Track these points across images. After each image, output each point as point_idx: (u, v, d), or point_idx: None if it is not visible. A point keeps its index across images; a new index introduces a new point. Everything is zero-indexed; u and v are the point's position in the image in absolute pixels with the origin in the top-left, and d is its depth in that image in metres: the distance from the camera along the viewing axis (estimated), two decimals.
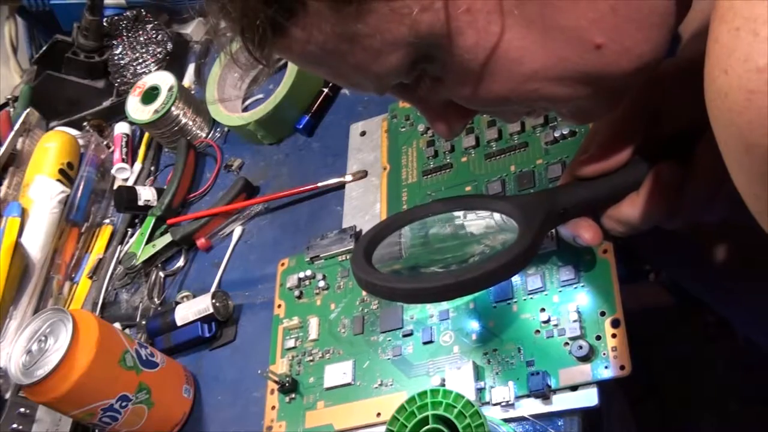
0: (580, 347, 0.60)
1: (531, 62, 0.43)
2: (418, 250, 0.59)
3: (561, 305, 0.64)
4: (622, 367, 0.59)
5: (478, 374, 0.64)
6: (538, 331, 0.64)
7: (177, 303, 0.86)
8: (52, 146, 1.05)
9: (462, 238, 0.59)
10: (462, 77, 0.44)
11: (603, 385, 0.60)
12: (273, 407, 0.73)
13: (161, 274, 0.93)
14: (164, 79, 1.01)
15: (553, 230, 0.65)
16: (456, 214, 0.59)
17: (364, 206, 0.82)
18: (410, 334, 0.70)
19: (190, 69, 1.12)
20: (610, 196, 0.56)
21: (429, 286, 0.52)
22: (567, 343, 0.62)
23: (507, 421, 0.61)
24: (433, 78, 0.46)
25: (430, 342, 0.68)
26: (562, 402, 0.61)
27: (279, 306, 0.79)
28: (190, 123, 1.02)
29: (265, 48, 0.43)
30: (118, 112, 1.10)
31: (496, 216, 0.57)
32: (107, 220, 1.03)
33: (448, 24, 0.41)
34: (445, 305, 0.69)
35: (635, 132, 0.55)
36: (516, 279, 0.67)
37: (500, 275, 0.52)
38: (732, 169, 0.37)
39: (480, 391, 0.63)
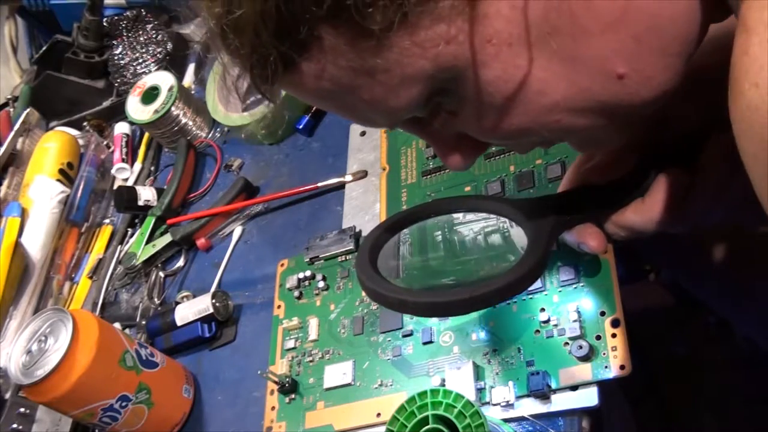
0: (580, 347, 0.60)
1: (553, 93, 0.41)
2: (417, 261, 0.58)
3: (561, 305, 0.64)
4: (622, 367, 0.59)
5: (478, 374, 0.64)
6: (538, 331, 0.64)
7: (177, 303, 0.86)
8: (52, 146, 1.05)
9: (466, 247, 0.58)
10: (482, 110, 0.43)
11: (603, 385, 0.60)
12: (273, 408, 0.73)
13: (161, 274, 0.93)
14: (164, 79, 1.01)
15: None
16: (455, 215, 0.59)
17: (364, 206, 0.82)
18: (410, 335, 0.70)
19: (190, 69, 1.12)
20: (615, 202, 0.56)
21: (442, 301, 0.50)
22: (567, 343, 0.62)
23: (507, 421, 0.61)
24: (449, 111, 0.45)
25: (430, 342, 0.68)
26: (562, 402, 0.61)
27: (279, 306, 0.79)
28: (190, 123, 1.02)
29: (275, 83, 0.42)
30: (118, 112, 1.10)
31: (493, 218, 0.57)
32: (107, 220, 1.03)
33: (473, 56, 0.39)
34: None
35: (641, 138, 0.55)
36: None
37: (516, 289, 0.50)
38: (759, 184, 0.36)
39: (480, 391, 0.63)
